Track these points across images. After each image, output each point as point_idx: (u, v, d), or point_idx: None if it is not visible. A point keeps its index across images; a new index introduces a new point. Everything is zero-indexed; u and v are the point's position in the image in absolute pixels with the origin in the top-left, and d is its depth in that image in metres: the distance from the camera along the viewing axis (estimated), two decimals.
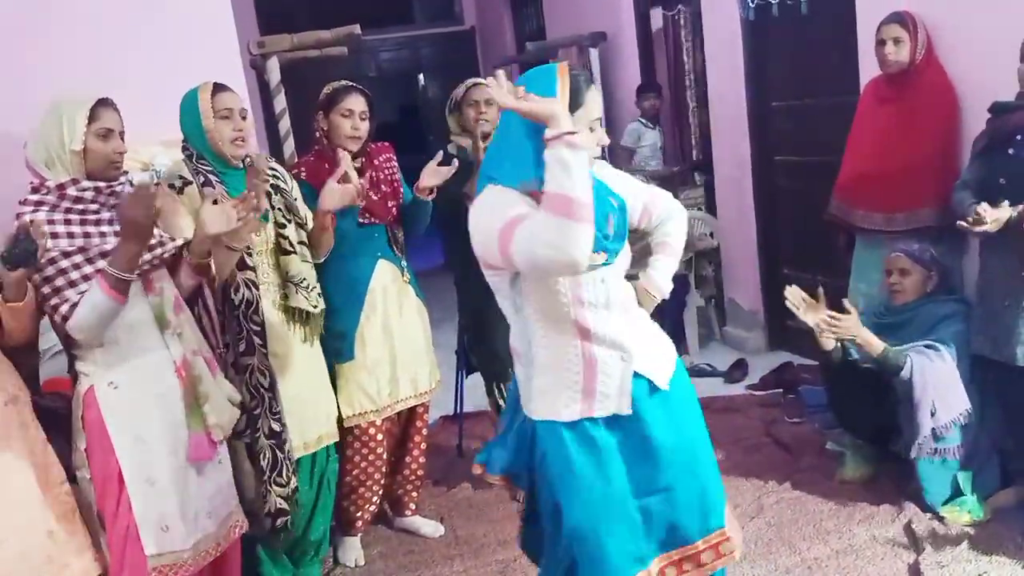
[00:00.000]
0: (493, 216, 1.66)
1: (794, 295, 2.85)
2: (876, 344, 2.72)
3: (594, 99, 1.74)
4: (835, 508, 2.93)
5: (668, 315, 4.68)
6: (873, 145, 3.15)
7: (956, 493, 2.80)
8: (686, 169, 5.41)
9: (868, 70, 3.33)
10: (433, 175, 2.76)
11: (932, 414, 2.70)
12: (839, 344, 2.85)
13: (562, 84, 1.67)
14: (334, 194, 2.50)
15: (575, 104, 1.69)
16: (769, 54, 4.19)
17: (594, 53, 5.41)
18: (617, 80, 5.57)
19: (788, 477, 3.15)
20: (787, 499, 2.99)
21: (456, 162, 2.76)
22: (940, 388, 2.71)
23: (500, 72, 1.64)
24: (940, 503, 2.79)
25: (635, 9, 5.40)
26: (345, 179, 2.53)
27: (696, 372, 4.39)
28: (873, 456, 3.09)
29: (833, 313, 2.75)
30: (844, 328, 2.72)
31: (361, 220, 2.72)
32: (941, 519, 2.76)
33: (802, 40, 3.96)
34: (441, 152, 2.81)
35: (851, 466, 3.10)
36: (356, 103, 2.68)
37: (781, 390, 3.90)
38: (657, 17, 5.47)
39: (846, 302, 2.78)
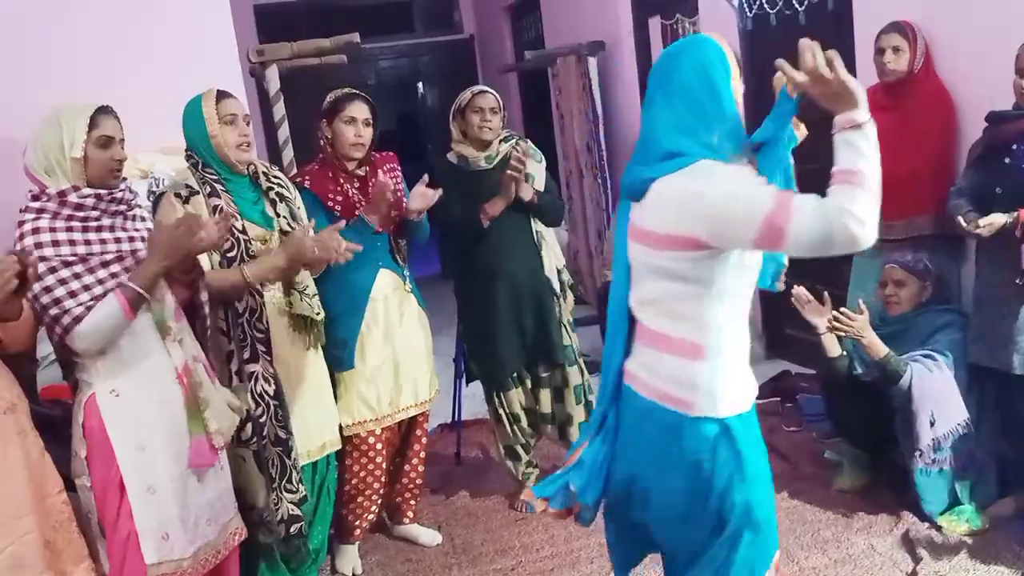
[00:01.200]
0: (747, 191, 1.51)
1: (800, 293, 2.85)
2: (880, 348, 2.72)
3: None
4: (833, 517, 2.93)
5: None
6: None
7: (954, 502, 2.80)
8: None
9: (865, 79, 3.34)
10: (420, 199, 2.76)
11: (931, 424, 2.70)
12: (845, 353, 2.86)
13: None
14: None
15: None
16: (767, 63, 4.19)
17: (592, 62, 5.42)
18: (616, 89, 5.58)
19: (786, 486, 3.15)
20: (785, 508, 2.99)
21: (440, 191, 2.78)
22: (939, 398, 2.71)
23: (810, 42, 1.53)
24: (938, 513, 2.79)
25: (633, 18, 5.42)
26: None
27: None
28: (871, 465, 3.09)
29: (845, 310, 2.75)
30: (855, 327, 2.72)
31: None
32: (939, 529, 2.76)
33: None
34: (426, 175, 2.81)
35: (849, 475, 3.10)
36: (359, 110, 2.69)
37: (779, 399, 3.90)
38: (655, 26, 5.48)
39: (860, 303, 2.79)
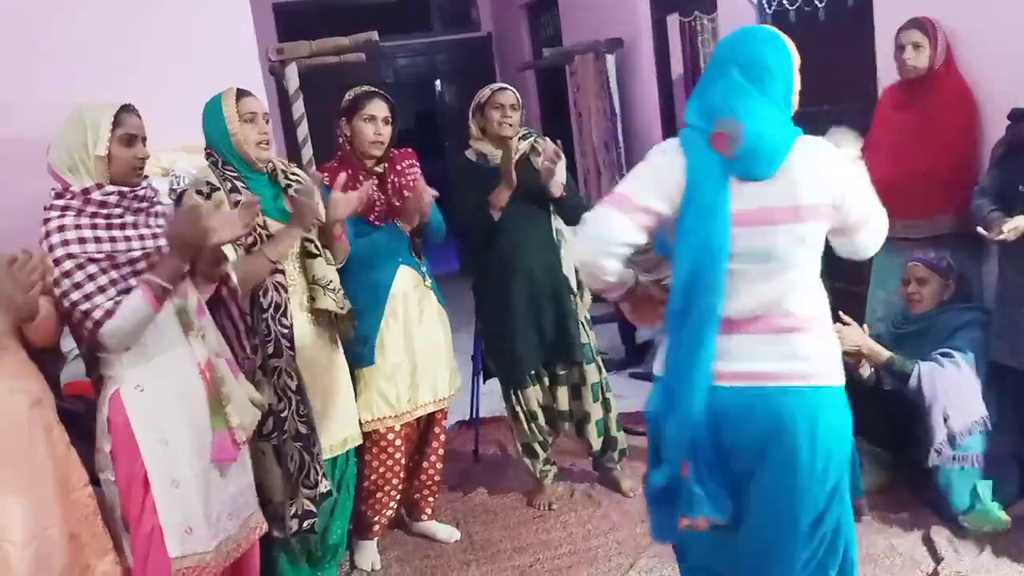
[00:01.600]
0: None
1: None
2: (882, 353, 2.73)
3: None
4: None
5: None
6: (891, 152, 3.14)
7: (976, 501, 2.77)
8: None
9: (886, 76, 3.32)
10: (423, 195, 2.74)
11: (945, 419, 2.68)
12: (872, 372, 2.86)
13: None
14: (338, 204, 2.50)
15: None
16: None
17: (610, 59, 5.41)
18: (634, 86, 5.57)
19: None
20: None
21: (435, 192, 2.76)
22: (952, 394, 2.70)
23: None
24: (960, 512, 2.77)
25: (652, 15, 5.40)
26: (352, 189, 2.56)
27: None
28: (891, 464, 3.07)
29: (837, 325, 2.73)
30: (848, 339, 2.71)
31: (377, 223, 2.74)
32: (961, 528, 2.74)
33: (819, 46, 3.94)
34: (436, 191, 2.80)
35: (870, 474, 3.08)
36: (378, 108, 2.70)
37: None
38: (674, 23, 5.47)
39: (842, 315, 2.78)
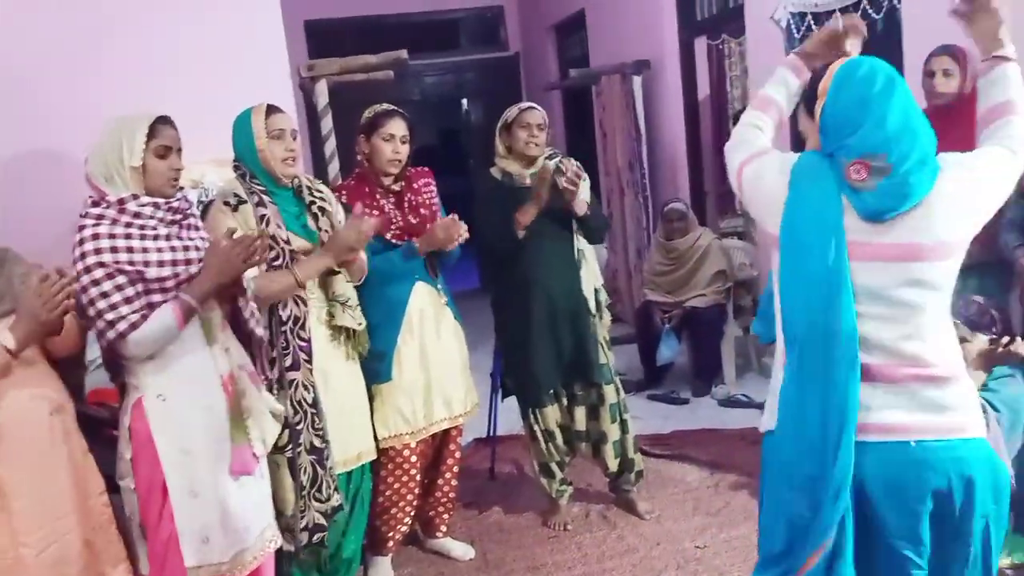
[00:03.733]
0: None
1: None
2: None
3: None
4: None
5: (705, 345, 4.66)
6: None
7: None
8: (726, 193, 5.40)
9: None
10: (444, 230, 2.72)
11: None
12: None
13: None
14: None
15: None
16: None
17: (637, 81, 5.43)
18: (660, 108, 5.58)
19: None
20: None
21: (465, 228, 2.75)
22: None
23: None
24: None
25: (679, 38, 5.42)
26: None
27: (733, 403, 4.35)
28: None
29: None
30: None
31: (393, 241, 2.75)
32: None
33: None
34: (455, 215, 2.78)
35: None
36: (397, 127, 2.73)
37: None
38: (701, 46, 5.48)
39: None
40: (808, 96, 1.72)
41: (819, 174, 1.59)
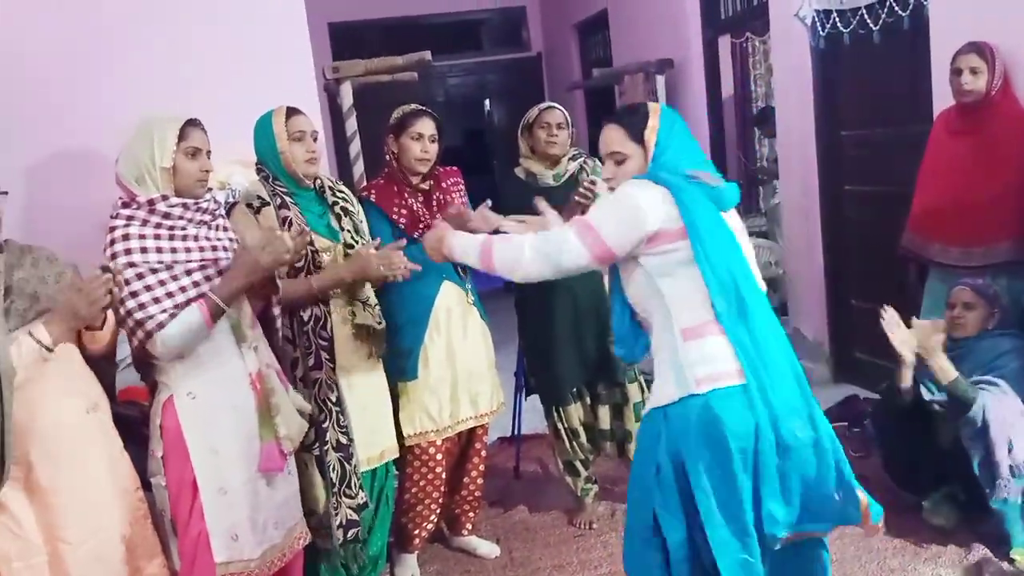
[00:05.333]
0: None
1: (892, 317, 2.80)
2: (950, 371, 2.66)
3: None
4: (900, 545, 2.85)
5: None
6: (948, 178, 3.09)
7: None
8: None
9: (942, 100, 3.28)
10: (482, 220, 2.67)
11: (1010, 450, 2.61)
12: (915, 381, 2.80)
13: None
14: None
15: None
16: (839, 83, 4.15)
17: (660, 80, 5.42)
18: (683, 107, 5.56)
19: None
20: (850, 535, 2.92)
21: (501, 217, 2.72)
22: (1013, 423, 2.63)
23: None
24: (1013, 546, 2.69)
25: (703, 36, 5.40)
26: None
27: None
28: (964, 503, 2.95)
29: (924, 321, 2.77)
30: (930, 345, 2.69)
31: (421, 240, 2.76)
32: (1012, 561, 2.66)
33: (874, 69, 3.91)
34: (489, 200, 2.75)
35: (944, 513, 2.95)
36: (426, 127, 2.74)
37: (846, 423, 3.82)
38: (725, 45, 5.46)
39: (915, 320, 2.77)
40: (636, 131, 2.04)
41: (685, 184, 1.99)
